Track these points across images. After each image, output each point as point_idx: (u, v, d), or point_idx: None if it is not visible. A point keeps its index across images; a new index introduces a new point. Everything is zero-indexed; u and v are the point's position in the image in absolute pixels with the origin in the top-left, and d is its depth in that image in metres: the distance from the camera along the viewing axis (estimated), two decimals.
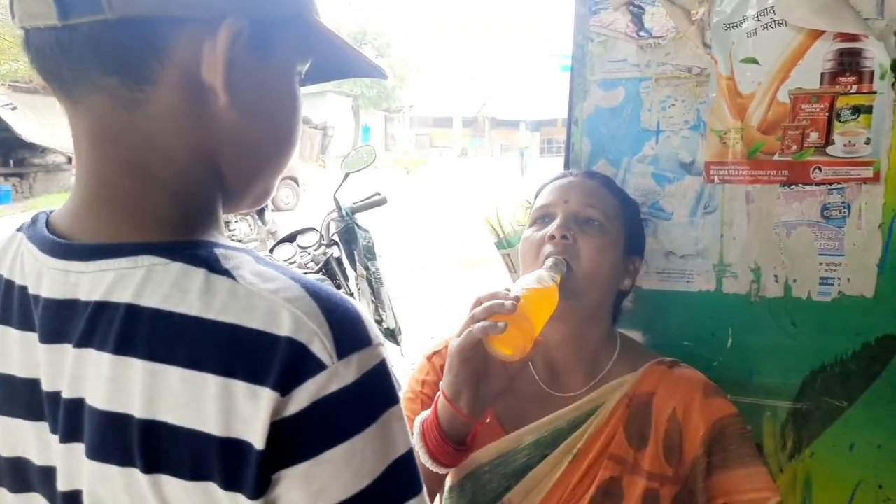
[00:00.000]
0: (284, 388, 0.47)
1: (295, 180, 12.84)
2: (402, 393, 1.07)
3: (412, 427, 0.94)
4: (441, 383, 0.88)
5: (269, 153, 0.59)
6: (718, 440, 0.93)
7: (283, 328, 0.48)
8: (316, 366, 0.48)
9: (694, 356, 1.26)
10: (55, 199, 12.34)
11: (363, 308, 0.56)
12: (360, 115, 26.17)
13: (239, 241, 7.04)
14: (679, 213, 1.26)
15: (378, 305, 2.90)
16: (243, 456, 0.47)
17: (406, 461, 0.51)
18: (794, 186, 1.18)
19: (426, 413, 0.91)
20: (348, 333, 0.50)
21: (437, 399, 0.89)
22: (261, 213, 7.54)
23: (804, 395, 1.23)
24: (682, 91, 1.23)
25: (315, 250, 2.96)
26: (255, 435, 0.47)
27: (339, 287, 2.94)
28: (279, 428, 0.47)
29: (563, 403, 0.98)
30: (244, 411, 0.47)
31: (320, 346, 0.48)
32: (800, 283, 1.20)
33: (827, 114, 1.13)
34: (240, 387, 0.47)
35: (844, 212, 1.16)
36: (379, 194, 3.01)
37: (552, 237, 0.94)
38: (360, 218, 2.96)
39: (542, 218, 1.00)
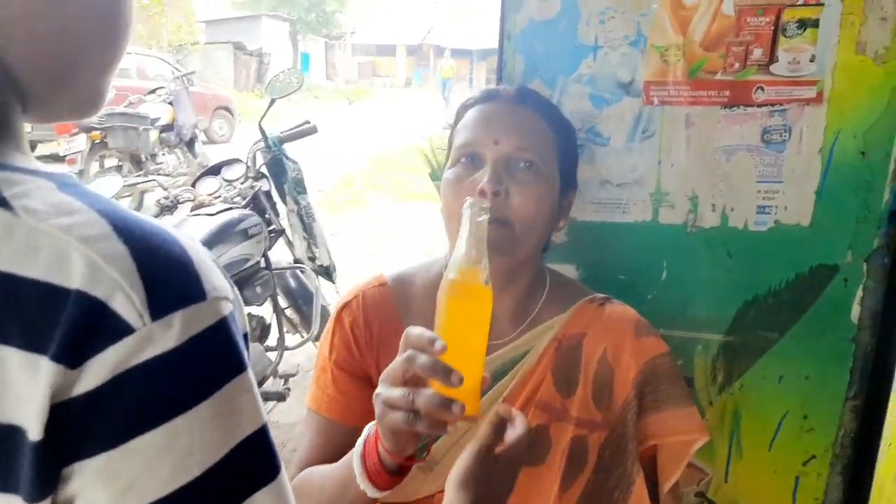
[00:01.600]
0: (73, 358, 0.37)
1: (229, 110, 12.26)
2: (316, 357, 0.97)
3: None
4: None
5: (83, 43, 0.45)
6: (650, 381, 0.88)
7: (73, 278, 0.37)
8: (118, 328, 0.37)
9: (629, 290, 1.21)
10: None
11: (204, 251, 0.44)
12: (299, 41, 25.01)
13: (167, 176, 6.72)
14: (616, 137, 1.18)
15: (310, 242, 2.77)
16: (15, 447, 0.37)
17: (255, 442, 0.41)
18: (735, 108, 1.11)
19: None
20: (169, 285, 0.39)
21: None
22: (190, 144, 7.18)
23: (736, 327, 1.19)
24: (622, 2, 1.12)
25: (241, 183, 2.78)
26: (30, 418, 0.36)
27: (269, 223, 2.79)
28: (68, 409, 0.37)
29: (492, 351, 0.89)
30: (18, 387, 0.36)
31: (125, 302, 0.37)
32: (737, 212, 1.15)
33: (772, 28, 1.05)
34: (12, 355, 0.36)
35: (785, 135, 1.10)
36: (308, 122, 2.82)
37: (482, 192, 0.81)
38: (290, 149, 2.79)
39: (467, 157, 0.87)
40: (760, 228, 1.15)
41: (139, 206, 5.89)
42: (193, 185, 2.80)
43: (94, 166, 6.31)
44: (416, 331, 0.69)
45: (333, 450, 0.88)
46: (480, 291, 0.70)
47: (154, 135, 6.68)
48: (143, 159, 6.57)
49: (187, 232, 2.48)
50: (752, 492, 1.25)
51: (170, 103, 7.14)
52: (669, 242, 1.20)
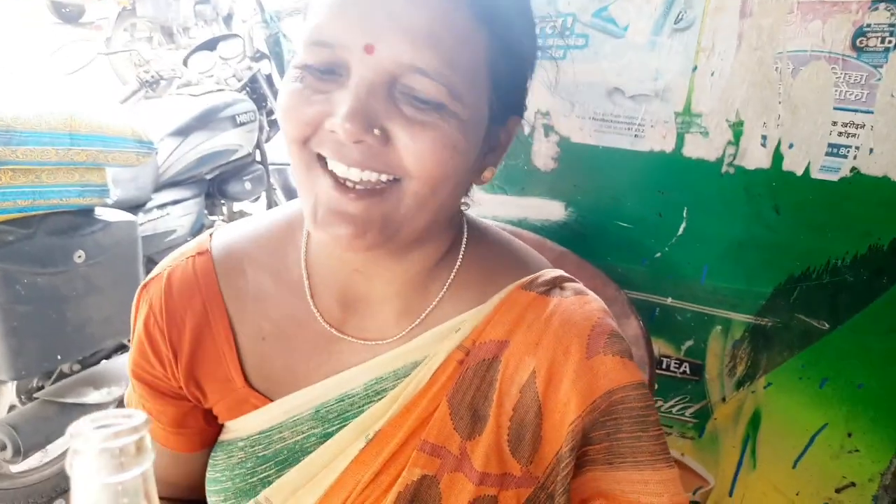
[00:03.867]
0: None
1: None
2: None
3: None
4: None
5: None
6: (602, 425, 0.55)
7: None
8: None
9: (630, 244, 0.91)
10: None
11: None
12: None
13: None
14: (636, 27, 0.83)
15: None
16: None
17: None
18: None
19: None
20: None
21: None
22: (228, 20, 6.76)
23: (772, 308, 0.87)
24: None
25: (238, 63, 2.46)
26: None
27: (270, 112, 2.49)
28: None
29: (365, 356, 0.59)
30: None
31: None
32: (797, 150, 0.80)
33: None
34: None
35: (890, 42, 0.73)
36: None
37: (333, 133, 0.47)
38: (290, 25, 2.43)
39: (322, 66, 0.49)
40: (830, 177, 0.80)
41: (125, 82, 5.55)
42: (185, 61, 2.48)
43: (124, 35, 6.02)
44: None
45: (170, 479, 0.65)
46: None
47: (188, 5, 6.29)
48: (175, 32, 6.23)
49: (162, 111, 2.23)
50: None
51: None
52: (695, 184, 0.86)
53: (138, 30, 6.18)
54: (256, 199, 2.54)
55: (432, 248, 0.58)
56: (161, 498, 0.44)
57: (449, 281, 0.59)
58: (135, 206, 1.87)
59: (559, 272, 0.60)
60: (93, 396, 1.69)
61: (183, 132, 2.08)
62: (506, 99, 0.53)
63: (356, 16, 0.47)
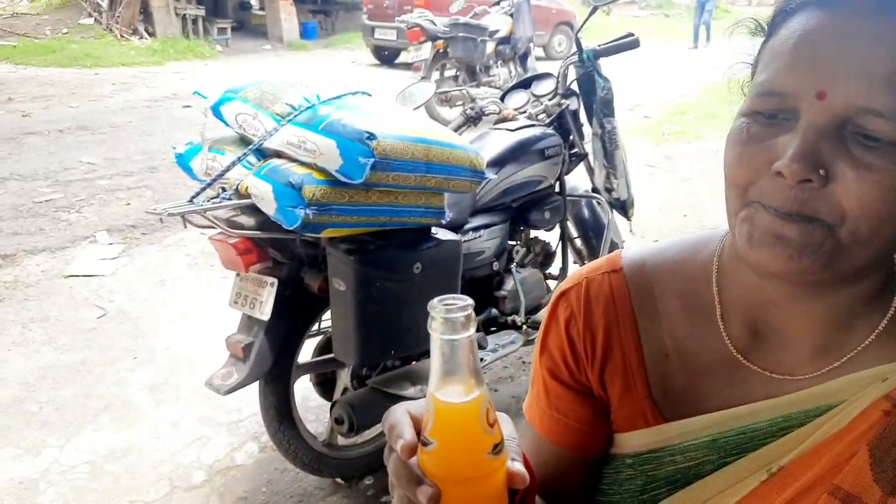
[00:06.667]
0: None
1: (571, 26, 12.02)
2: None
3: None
4: None
5: None
6: None
7: None
8: None
9: None
10: (351, 38, 13.33)
11: None
12: None
13: (497, 88, 6.88)
14: None
15: (609, 172, 2.51)
16: None
17: None
18: None
19: None
20: None
21: None
22: (524, 58, 7.24)
23: None
24: None
25: (549, 100, 2.61)
26: None
27: (572, 146, 2.60)
28: None
29: (770, 389, 0.59)
30: None
31: None
32: None
33: None
34: None
35: None
36: (632, 34, 2.49)
37: (780, 175, 0.49)
38: (605, 65, 2.52)
39: (770, 112, 0.52)
40: None
41: (433, 115, 6.07)
42: (503, 97, 2.72)
43: (436, 74, 6.77)
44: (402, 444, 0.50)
45: (547, 476, 0.70)
46: (479, 467, 0.49)
47: (490, 46, 6.86)
48: (478, 70, 6.83)
49: (483, 145, 2.46)
50: None
51: (510, 15, 7.22)
52: None
53: (447, 69, 6.94)
54: (552, 229, 2.66)
55: (863, 288, 0.57)
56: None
57: (882, 326, 0.57)
58: (455, 228, 2.10)
59: None
60: (409, 391, 1.92)
61: (499, 163, 2.28)
62: None
63: (808, 64, 0.50)
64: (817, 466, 0.55)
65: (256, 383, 1.79)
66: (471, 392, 0.48)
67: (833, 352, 0.58)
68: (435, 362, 0.49)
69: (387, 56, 11.23)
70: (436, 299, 0.49)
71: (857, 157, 0.49)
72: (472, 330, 0.48)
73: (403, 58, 6.73)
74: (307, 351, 2.00)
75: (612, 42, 2.52)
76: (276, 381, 1.80)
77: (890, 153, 0.48)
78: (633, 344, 0.65)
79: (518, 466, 0.50)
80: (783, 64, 0.52)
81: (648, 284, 0.67)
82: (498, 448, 0.49)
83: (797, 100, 0.50)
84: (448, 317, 0.47)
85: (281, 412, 1.82)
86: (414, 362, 2.05)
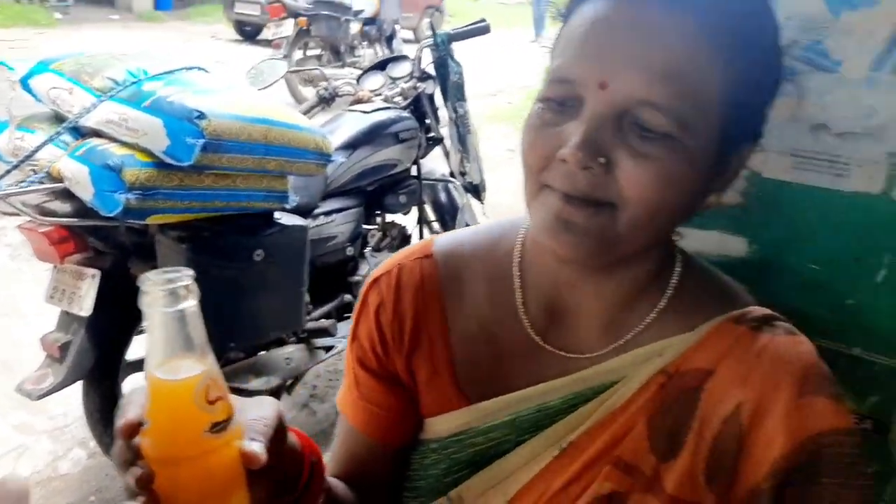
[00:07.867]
0: None
1: (439, 10, 12.07)
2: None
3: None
4: None
5: None
6: (804, 470, 0.53)
7: None
8: None
9: (818, 288, 0.85)
10: (210, 10, 12.55)
11: None
12: None
13: (360, 69, 6.75)
14: (853, 63, 0.78)
15: (463, 156, 2.53)
16: None
17: None
18: None
19: None
20: None
21: None
22: (389, 40, 7.14)
23: None
24: None
25: (405, 83, 2.59)
26: None
27: (428, 130, 2.60)
28: None
29: (563, 368, 0.61)
30: None
31: None
32: None
33: None
34: None
35: None
36: (483, 21, 2.52)
37: (564, 161, 0.51)
38: (458, 49, 2.52)
39: (560, 99, 0.53)
40: None
41: (295, 95, 5.90)
42: (358, 79, 2.66)
43: (298, 53, 6.54)
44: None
45: (356, 465, 0.70)
46: (193, 446, 0.46)
47: (356, 27, 6.73)
48: (342, 50, 6.68)
49: (336, 126, 2.39)
50: None
51: None
52: None
53: (310, 48, 6.72)
54: (408, 212, 2.65)
55: (644, 270, 0.60)
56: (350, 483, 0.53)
57: (660, 305, 0.60)
58: (304, 212, 2.03)
59: (768, 310, 0.60)
60: (254, 383, 1.84)
61: (352, 146, 2.23)
62: (740, 127, 0.54)
63: (593, 55, 0.51)
64: (600, 440, 0.57)
65: (80, 385, 1.63)
66: (189, 368, 0.45)
67: (618, 330, 0.61)
68: (150, 337, 0.46)
69: (249, 31, 10.68)
70: (150, 272, 0.46)
71: (634, 147, 0.50)
72: (192, 302, 0.45)
73: (265, 34, 6.43)
74: (138, 347, 1.85)
75: (464, 27, 2.53)
76: (101, 381, 1.66)
77: (666, 144, 0.50)
78: (440, 328, 0.65)
79: (253, 446, 0.46)
80: (572, 52, 0.53)
81: (458, 269, 0.67)
82: (220, 426, 0.46)
83: (583, 88, 0.51)
84: (163, 289, 0.44)
85: (107, 414, 1.68)
86: (261, 353, 1.97)
